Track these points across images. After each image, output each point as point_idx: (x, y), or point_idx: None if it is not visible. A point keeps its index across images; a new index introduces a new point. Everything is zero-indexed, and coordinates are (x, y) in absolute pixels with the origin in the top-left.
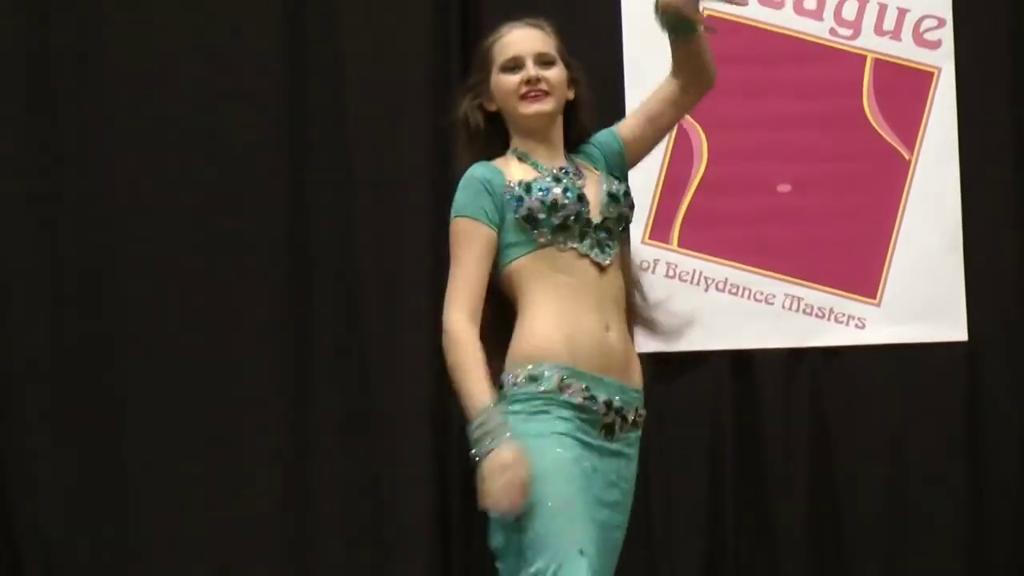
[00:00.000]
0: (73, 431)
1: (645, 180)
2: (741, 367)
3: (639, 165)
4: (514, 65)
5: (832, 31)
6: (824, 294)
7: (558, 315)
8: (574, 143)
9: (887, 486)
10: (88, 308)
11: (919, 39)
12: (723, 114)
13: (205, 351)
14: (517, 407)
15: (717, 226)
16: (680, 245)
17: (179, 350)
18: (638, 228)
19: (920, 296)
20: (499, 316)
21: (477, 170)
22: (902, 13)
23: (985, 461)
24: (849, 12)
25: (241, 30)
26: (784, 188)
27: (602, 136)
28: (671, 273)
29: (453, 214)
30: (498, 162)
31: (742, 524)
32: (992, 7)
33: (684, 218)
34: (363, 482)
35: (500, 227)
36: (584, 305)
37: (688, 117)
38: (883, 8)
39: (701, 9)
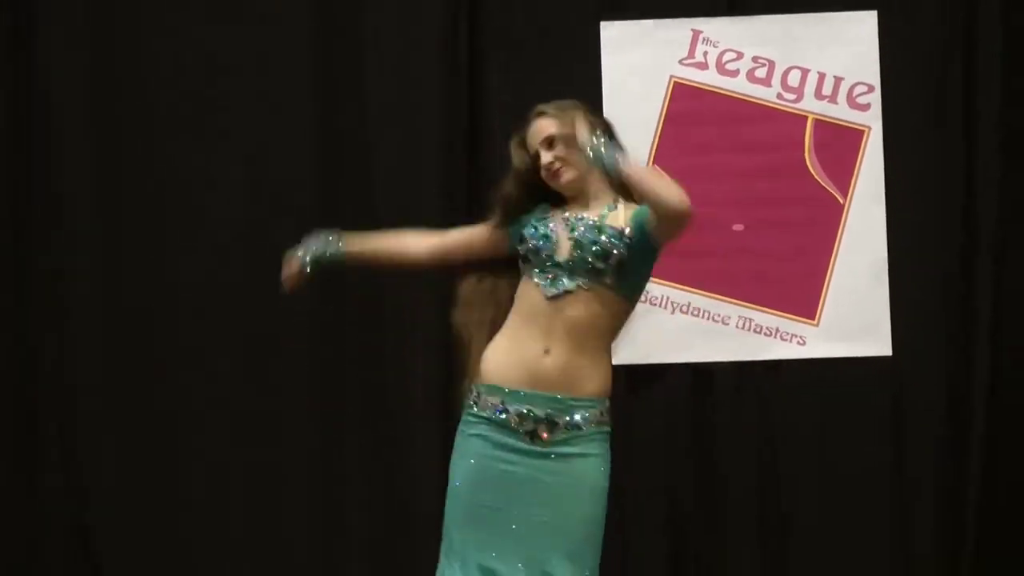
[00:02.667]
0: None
1: None
2: (701, 377)
3: None
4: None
5: (779, 95)
6: (771, 316)
7: (507, 339)
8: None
9: (823, 479)
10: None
11: (852, 102)
12: (687, 166)
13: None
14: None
15: (682, 259)
16: (652, 276)
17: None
18: None
19: (852, 318)
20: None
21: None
22: (838, 80)
23: (907, 454)
24: (793, 80)
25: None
26: (738, 227)
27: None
28: (643, 298)
29: None
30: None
31: (702, 519)
32: (913, 76)
33: None
34: (383, 466)
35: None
36: (530, 330)
37: (656, 166)
38: (822, 76)
39: (611, 159)
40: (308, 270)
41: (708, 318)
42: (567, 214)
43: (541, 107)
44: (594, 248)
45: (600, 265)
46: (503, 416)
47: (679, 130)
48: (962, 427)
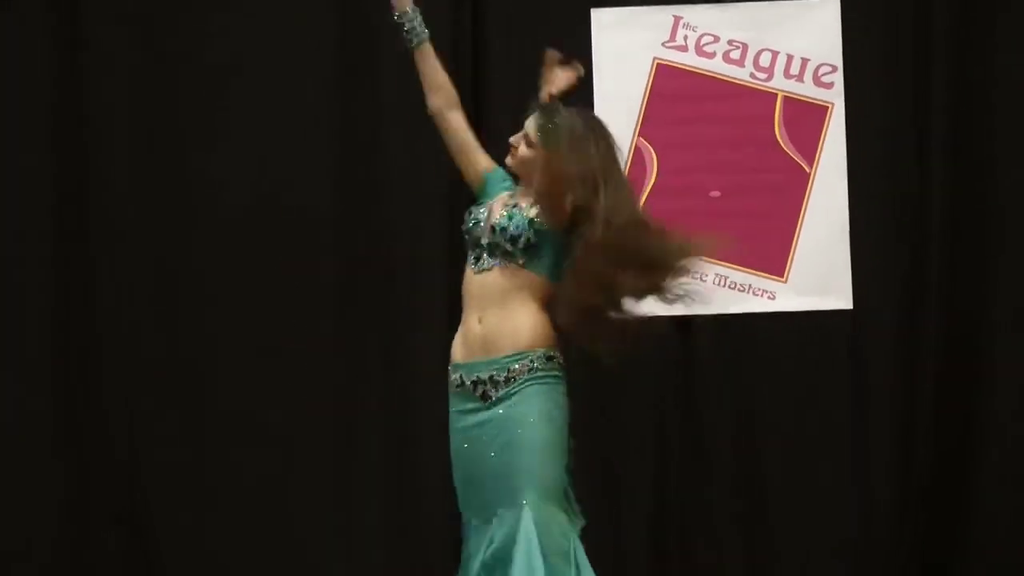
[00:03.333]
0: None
1: None
2: (681, 329)
3: None
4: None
5: (752, 75)
6: (744, 274)
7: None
8: None
9: (791, 414)
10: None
11: (817, 81)
12: (669, 137)
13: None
14: None
15: (665, 222)
16: None
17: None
18: None
19: (817, 275)
20: None
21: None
22: (804, 61)
23: (865, 396)
24: (764, 61)
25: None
26: (715, 194)
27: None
28: None
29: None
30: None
31: (688, 446)
32: (871, 57)
33: None
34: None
35: (483, 176)
36: (470, 307)
37: (643, 140)
38: (790, 58)
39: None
40: (400, 20)
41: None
42: (510, 198)
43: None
44: (505, 232)
45: (509, 247)
46: (460, 388)
47: (662, 106)
48: (915, 370)
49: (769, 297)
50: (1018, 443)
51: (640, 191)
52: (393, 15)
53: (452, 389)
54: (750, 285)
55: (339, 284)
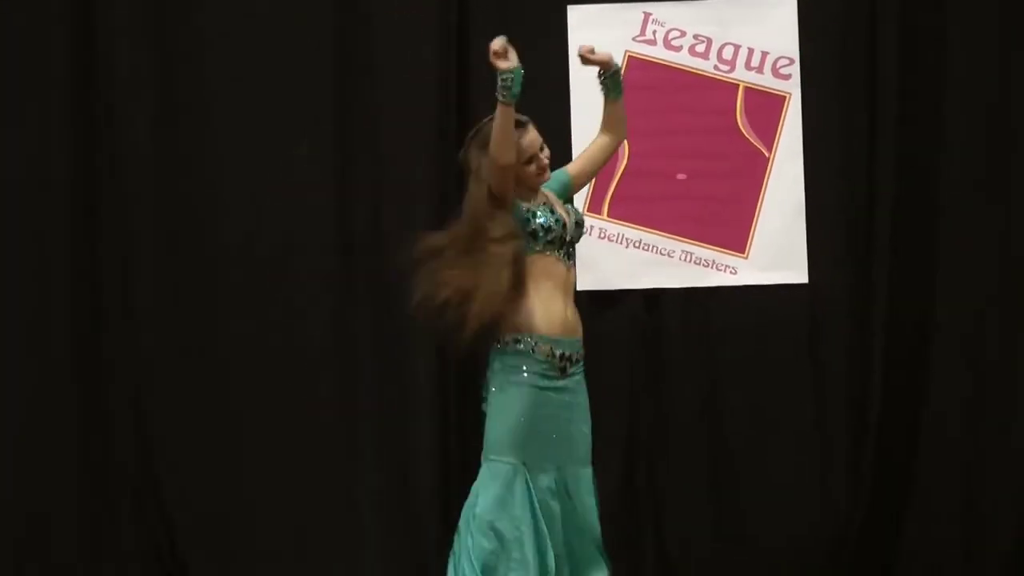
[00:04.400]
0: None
1: None
2: (651, 301)
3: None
4: (532, 159)
5: (715, 67)
6: (708, 250)
7: (544, 300)
8: None
9: (753, 379)
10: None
11: (776, 73)
12: (639, 125)
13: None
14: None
15: (635, 203)
16: (609, 216)
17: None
18: (580, 202)
19: (775, 252)
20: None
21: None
22: (764, 54)
23: (820, 361)
24: (727, 54)
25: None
26: (682, 176)
27: (559, 174)
28: (602, 236)
29: None
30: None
31: (651, 409)
32: (828, 51)
33: (612, 197)
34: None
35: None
36: (559, 293)
37: None
38: (751, 51)
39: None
40: (505, 76)
41: (656, 252)
42: (539, 204)
43: (526, 119)
44: (583, 224)
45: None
46: (550, 358)
47: (633, 96)
48: (866, 338)
49: (731, 272)
50: (961, 405)
51: (612, 175)
52: (502, 71)
53: (537, 356)
54: (714, 261)
55: (338, 281)
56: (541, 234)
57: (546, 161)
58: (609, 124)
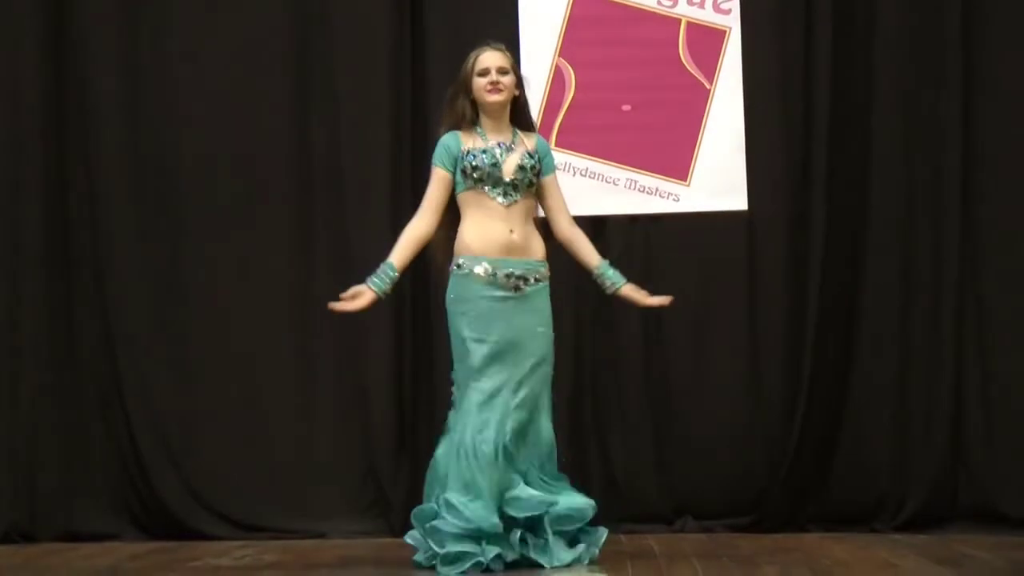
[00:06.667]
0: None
1: (535, 101)
2: (598, 227)
3: (535, 90)
4: (485, 71)
5: (659, 2)
6: (652, 178)
7: (478, 227)
8: (522, 125)
9: (696, 306)
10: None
11: (716, 8)
12: (586, 57)
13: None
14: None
15: (581, 133)
16: (557, 145)
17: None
18: None
19: (716, 179)
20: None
21: (446, 138)
22: None
23: (757, 283)
24: None
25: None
26: (626, 107)
27: (546, 152)
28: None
29: (432, 162)
30: (462, 133)
31: (601, 325)
32: None
33: (560, 127)
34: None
35: (453, 171)
36: (494, 221)
37: (563, 60)
38: None
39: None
40: (383, 296)
41: (602, 180)
42: (491, 141)
43: (494, 44)
44: (531, 171)
45: (531, 179)
46: (498, 277)
47: (580, 31)
48: (803, 262)
49: (674, 199)
50: (889, 328)
51: (560, 106)
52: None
53: (478, 278)
54: (657, 188)
55: (296, 221)
56: (469, 171)
57: (499, 79)
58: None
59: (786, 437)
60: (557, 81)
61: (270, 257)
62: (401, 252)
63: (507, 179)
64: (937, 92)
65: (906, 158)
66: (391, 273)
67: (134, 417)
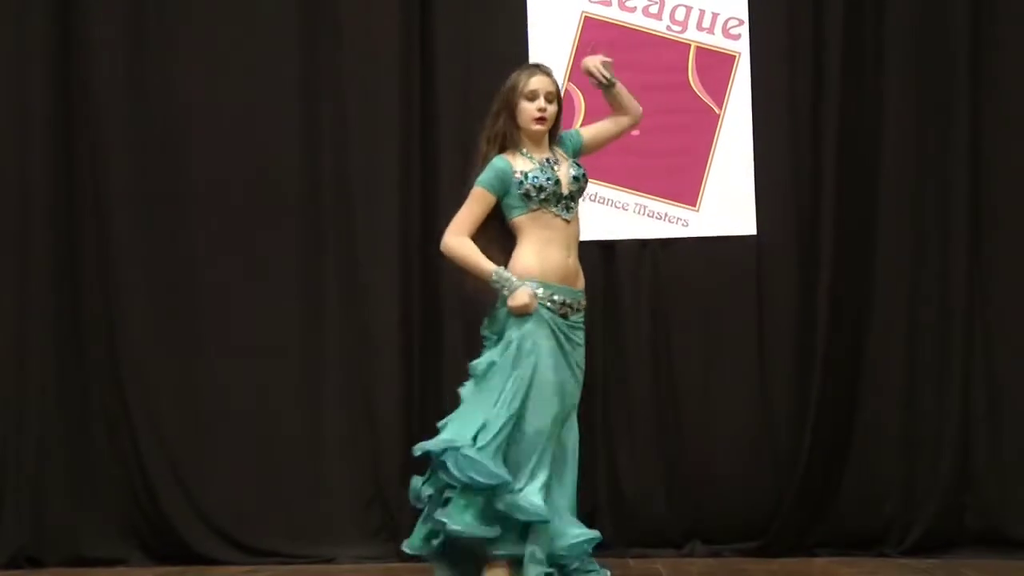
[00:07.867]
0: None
1: None
2: (607, 251)
3: None
4: (534, 95)
5: (668, 27)
6: (661, 203)
7: (538, 254)
8: (552, 138)
9: (705, 330)
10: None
11: (726, 33)
12: None
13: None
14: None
15: (592, 158)
16: None
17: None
18: None
19: (725, 204)
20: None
21: (497, 162)
22: (715, 15)
23: (767, 308)
24: (679, 15)
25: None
26: (635, 133)
27: (571, 134)
28: None
29: (476, 183)
30: (507, 155)
31: (612, 351)
32: (775, 14)
33: None
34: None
35: (500, 197)
36: (552, 246)
37: (572, 85)
38: (702, 12)
39: (609, 75)
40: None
41: (612, 205)
42: (536, 159)
43: (543, 67)
44: (584, 179)
45: (583, 187)
46: (553, 305)
47: (588, 55)
48: (810, 287)
49: (683, 224)
50: (896, 350)
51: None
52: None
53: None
54: (666, 213)
55: (305, 238)
56: (534, 194)
57: (546, 106)
58: (616, 110)
59: (795, 461)
60: (566, 105)
61: (280, 281)
62: (487, 258)
63: (565, 192)
64: (947, 118)
65: (915, 183)
66: (504, 273)
67: (143, 442)
